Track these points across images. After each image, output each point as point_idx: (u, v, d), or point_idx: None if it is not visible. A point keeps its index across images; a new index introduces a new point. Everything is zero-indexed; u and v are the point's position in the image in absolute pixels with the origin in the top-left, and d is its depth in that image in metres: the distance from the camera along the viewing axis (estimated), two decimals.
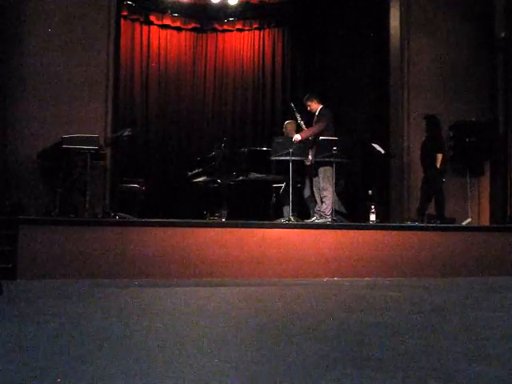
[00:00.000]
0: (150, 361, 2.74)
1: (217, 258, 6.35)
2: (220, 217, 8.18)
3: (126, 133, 7.49)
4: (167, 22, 11.61)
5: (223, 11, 11.43)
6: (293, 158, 7.42)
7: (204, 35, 11.98)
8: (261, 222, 7.45)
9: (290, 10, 11.51)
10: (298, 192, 8.16)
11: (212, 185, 8.98)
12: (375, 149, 8.20)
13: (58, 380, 2.33)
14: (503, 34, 8.89)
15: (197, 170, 9.13)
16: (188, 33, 11.88)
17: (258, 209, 9.89)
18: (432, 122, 8.13)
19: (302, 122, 7.99)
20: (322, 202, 7.58)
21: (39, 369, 2.54)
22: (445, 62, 9.06)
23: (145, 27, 11.52)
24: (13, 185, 7.51)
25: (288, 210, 7.67)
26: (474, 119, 8.79)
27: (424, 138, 8.19)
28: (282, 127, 8.68)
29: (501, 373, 2.61)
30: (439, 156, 7.84)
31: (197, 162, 9.38)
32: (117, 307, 4.46)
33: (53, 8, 7.92)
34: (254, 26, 11.96)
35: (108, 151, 7.83)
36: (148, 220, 6.97)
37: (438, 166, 7.83)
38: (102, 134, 7.68)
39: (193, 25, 11.82)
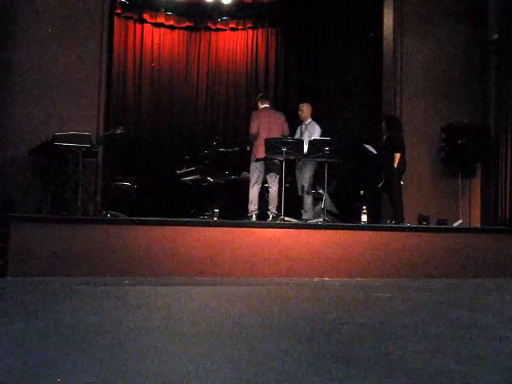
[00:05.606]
0: (141, 358, 2.73)
1: (208, 257, 6.34)
2: (211, 216, 8.18)
3: (119, 131, 7.47)
4: (161, 20, 11.62)
5: (217, 10, 11.45)
6: (286, 157, 7.45)
7: (197, 34, 11.98)
8: (252, 221, 7.46)
9: (283, 10, 11.53)
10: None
11: (203, 183, 8.97)
12: (367, 149, 8.23)
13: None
14: (496, 36, 8.92)
15: (186, 169, 9.12)
16: (181, 31, 11.89)
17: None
18: (392, 122, 8.24)
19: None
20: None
21: (28, 366, 2.54)
22: (438, 63, 9.08)
23: (138, 25, 11.51)
24: (4, 181, 7.46)
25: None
26: (466, 121, 8.81)
27: (384, 138, 8.23)
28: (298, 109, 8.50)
29: (493, 375, 2.62)
30: (397, 156, 7.90)
31: (186, 160, 9.36)
32: (107, 305, 4.46)
33: (45, 5, 7.88)
34: (248, 25, 11.98)
35: (100, 149, 7.81)
36: (139, 218, 6.95)
37: (395, 165, 7.88)
38: (95, 132, 7.66)
39: (186, 23, 11.83)
